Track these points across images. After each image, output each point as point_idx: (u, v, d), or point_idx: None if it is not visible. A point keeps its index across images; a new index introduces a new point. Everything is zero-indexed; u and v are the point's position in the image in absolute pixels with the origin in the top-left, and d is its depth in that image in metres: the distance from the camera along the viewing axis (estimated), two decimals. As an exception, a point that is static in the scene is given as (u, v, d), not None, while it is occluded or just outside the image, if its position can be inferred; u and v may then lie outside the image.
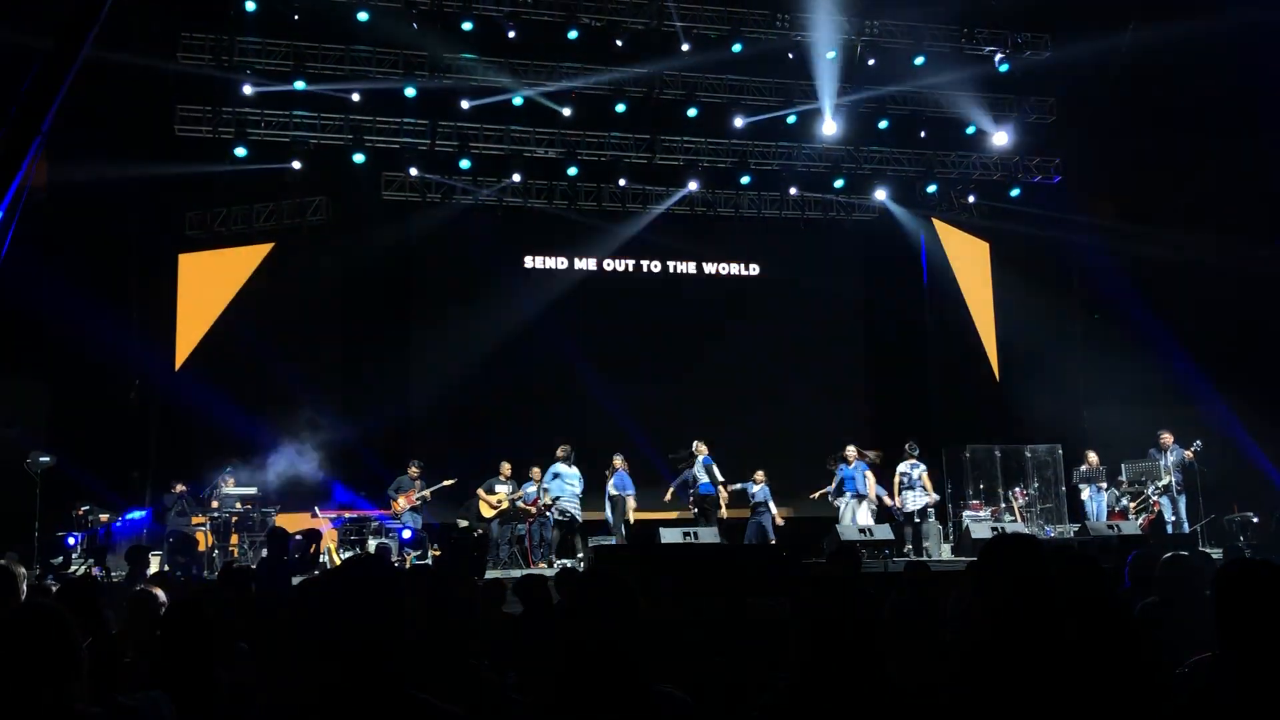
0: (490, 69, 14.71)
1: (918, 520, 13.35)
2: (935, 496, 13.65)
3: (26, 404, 13.32)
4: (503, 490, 13.12)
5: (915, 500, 13.35)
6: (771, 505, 13.52)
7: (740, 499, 13.69)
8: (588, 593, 2.45)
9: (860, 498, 13.22)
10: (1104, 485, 13.77)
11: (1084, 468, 13.88)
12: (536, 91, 14.72)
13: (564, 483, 13.06)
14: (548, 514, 13.16)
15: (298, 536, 10.59)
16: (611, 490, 13.28)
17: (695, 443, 13.49)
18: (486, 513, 13.11)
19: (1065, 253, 16.59)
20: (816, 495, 13.67)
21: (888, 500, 13.48)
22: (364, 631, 2.24)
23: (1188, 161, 15.50)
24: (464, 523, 13.24)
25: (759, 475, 13.64)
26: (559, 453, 13.25)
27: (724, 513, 13.26)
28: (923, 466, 13.58)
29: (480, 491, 13.16)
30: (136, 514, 12.96)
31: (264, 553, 10.79)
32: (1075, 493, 14.11)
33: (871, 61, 15.47)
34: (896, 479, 13.45)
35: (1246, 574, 2.47)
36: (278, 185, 15.25)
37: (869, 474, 13.43)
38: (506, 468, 13.36)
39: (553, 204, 16.48)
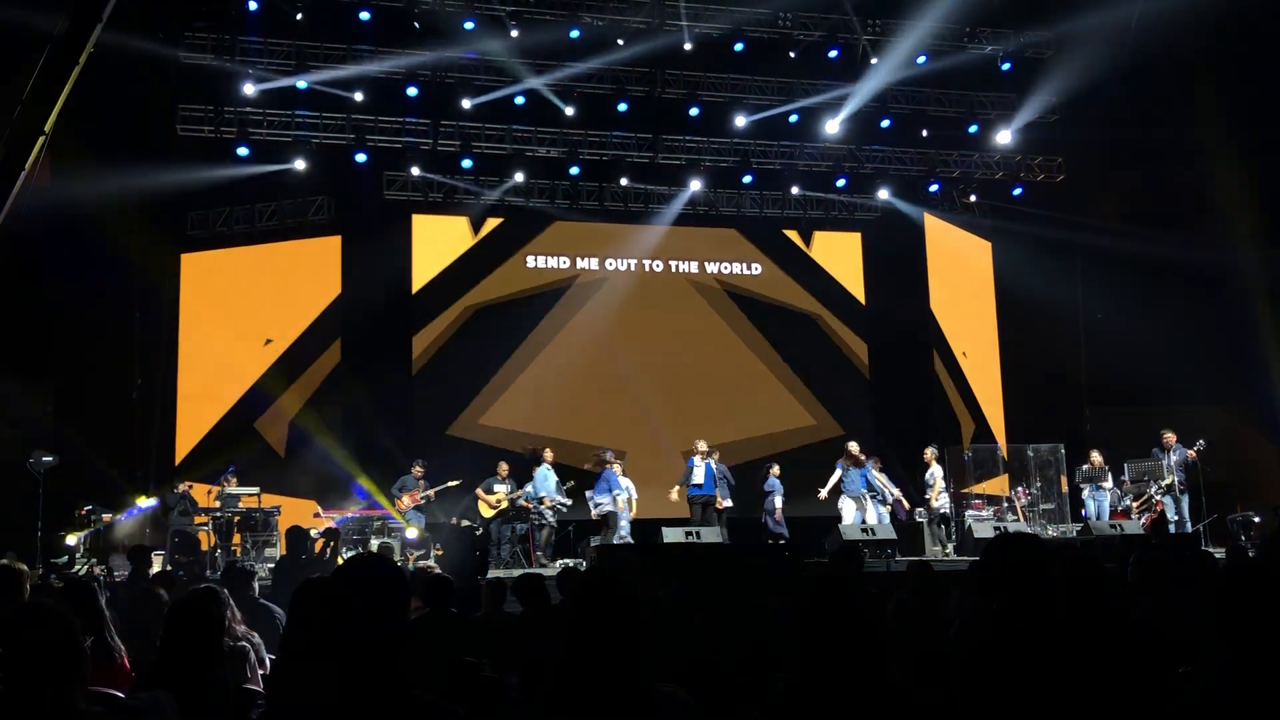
0: (492, 68, 14.73)
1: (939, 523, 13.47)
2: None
3: (29, 404, 13.33)
4: (501, 490, 13.14)
5: (947, 504, 13.55)
6: (777, 499, 13.54)
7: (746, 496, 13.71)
8: (588, 592, 2.45)
9: (873, 495, 13.26)
10: (1105, 485, 13.75)
11: (1086, 467, 13.87)
12: (542, 80, 14.63)
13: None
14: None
15: (316, 535, 10.60)
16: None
17: (697, 441, 13.52)
18: (485, 512, 13.13)
19: (1068, 252, 16.57)
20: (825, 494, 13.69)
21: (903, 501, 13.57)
22: (366, 630, 2.24)
23: (1191, 160, 15.48)
24: (465, 522, 13.25)
25: (775, 469, 13.63)
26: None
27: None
28: None
29: (479, 491, 13.18)
30: (144, 501, 12.89)
31: (282, 551, 10.96)
32: (1078, 492, 14.12)
33: (874, 60, 15.47)
34: (940, 482, 13.50)
35: (1250, 574, 2.47)
36: (280, 185, 15.25)
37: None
38: (504, 467, 13.40)
39: (555, 203, 16.47)
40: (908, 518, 13.76)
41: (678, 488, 13.51)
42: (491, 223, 16.36)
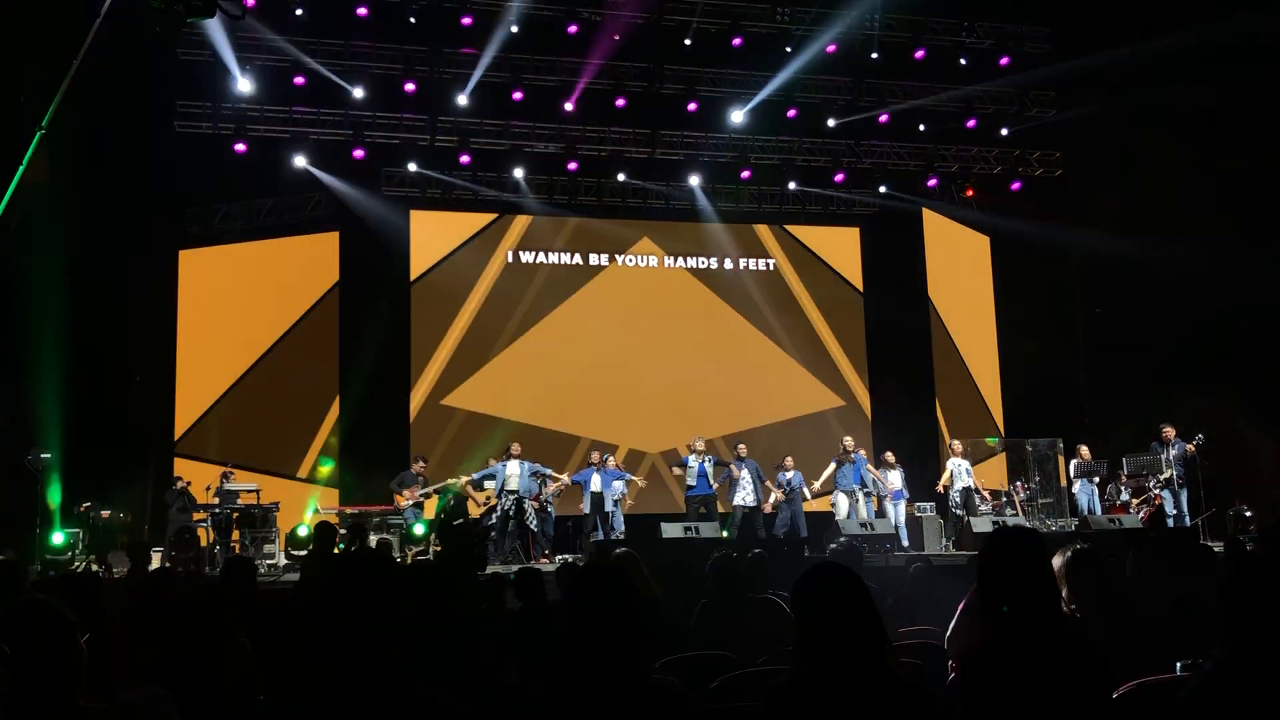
0: (490, 65, 14.72)
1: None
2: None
3: (27, 400, 13.32)
4: (491, 487, 13.12)
5: (957, 496, 13.85)
6: (806, 491, 13.50)
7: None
8: (586, 587, 2.45)
9: (865, 490, 13.31)
10: (1095, 479, 13.80)
11: (1077, 462, 13.92)
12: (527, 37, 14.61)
13: None
14: (549, 509, 13.21)
15: (343, 531, 10.60)
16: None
17: (695, 438, 13.50)
18: (473, 510, 13.14)
19: (1066, 247, 16.57)
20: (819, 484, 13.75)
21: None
22: (367, 627, 2.24)
23: (1190, 156, 15.45)
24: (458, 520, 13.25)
25: (789, 461, 13.62)
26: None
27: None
28: None
29: (469, 488, 13.16)
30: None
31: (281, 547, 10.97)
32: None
33: (874, 55, 15.48)
34: (963, 474, 13.78)
35: (1250, 568, 2.47)
36: (278, 181, 15.24)
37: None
38: (494, 464, 13.39)
39: (553, 199, 16.47)
40: (907, 513, 13.79)
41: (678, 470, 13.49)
42: (489, 218, 16.35)
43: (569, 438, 15.32)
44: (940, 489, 13.94)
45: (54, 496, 11.81)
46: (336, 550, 9.58)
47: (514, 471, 12.93)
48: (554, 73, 15.03)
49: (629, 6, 14.47)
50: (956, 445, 14.01)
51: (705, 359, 16.35)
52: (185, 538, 12.06)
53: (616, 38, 14.59)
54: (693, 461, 13.16)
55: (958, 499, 13.61)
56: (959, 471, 13.71)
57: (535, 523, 12.89)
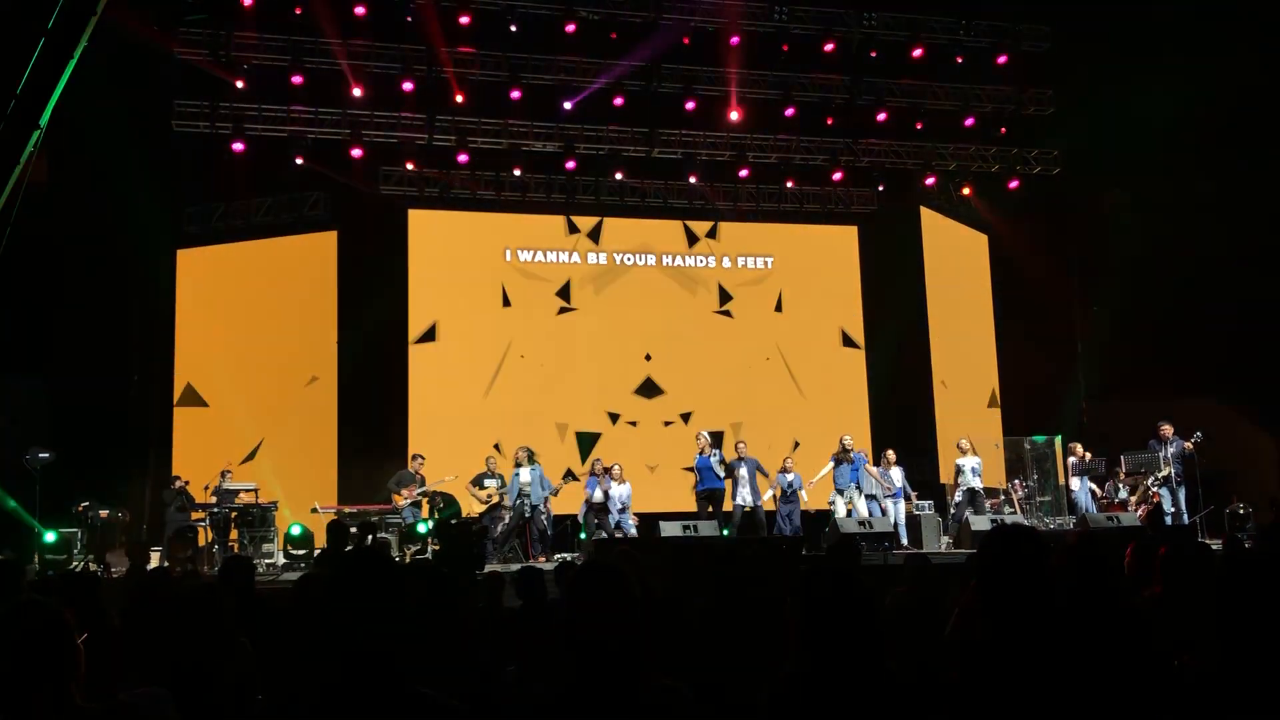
0: (488, 63, 14.72)
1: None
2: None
3: (25, 400, 13.32)
4: (491, 485, 13.12)
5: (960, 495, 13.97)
6: (803, 494, 13.51)
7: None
8: (585, 586, 2.45)
9: (861, 490, 13.31)
10: (1090, 477, 13.85)
11: (1073, 460, 13.94)
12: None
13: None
14: (547, 507, 13.23)
15: (353, 529, 10.60)
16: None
17: (698, 434, 13.51)
18: (476, 508, 13.15)
19: (1064, 245, 16.57)
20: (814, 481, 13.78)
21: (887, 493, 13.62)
22: (364, 627, 2.24)
23: (1190, 155, 15.47)
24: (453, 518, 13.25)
25: (789, 462, 13.63)
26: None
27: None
28: None
29: (468, 486, 13.16)
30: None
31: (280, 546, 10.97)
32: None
33: (873, 54, 15.48)
34: (968, 474, 13.82)
35: (1248, 567, 2.47)
36: (275, 180, 15.23)
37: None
38: (494, 463, 13.39)
39: (551, 198, 16.47)
40: (907, 512, 13.80)
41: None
42: (487, 217, 16.35)
43: (566, 436, 15.30)
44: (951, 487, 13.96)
45: (8, 501, 11.70)
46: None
47: (528, 479, 12.95)
48: (552, 71, 15.02)
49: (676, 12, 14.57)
50: (965, 443, 13.96)
51: (703, 357, 16.36)
52: (187, 536, 12.07)
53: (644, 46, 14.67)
54: (705, 459, 13.20)
55: (962, 498, 13.58)
56: (966, 472, 13.67)
57: (547, 519, 12.96)
